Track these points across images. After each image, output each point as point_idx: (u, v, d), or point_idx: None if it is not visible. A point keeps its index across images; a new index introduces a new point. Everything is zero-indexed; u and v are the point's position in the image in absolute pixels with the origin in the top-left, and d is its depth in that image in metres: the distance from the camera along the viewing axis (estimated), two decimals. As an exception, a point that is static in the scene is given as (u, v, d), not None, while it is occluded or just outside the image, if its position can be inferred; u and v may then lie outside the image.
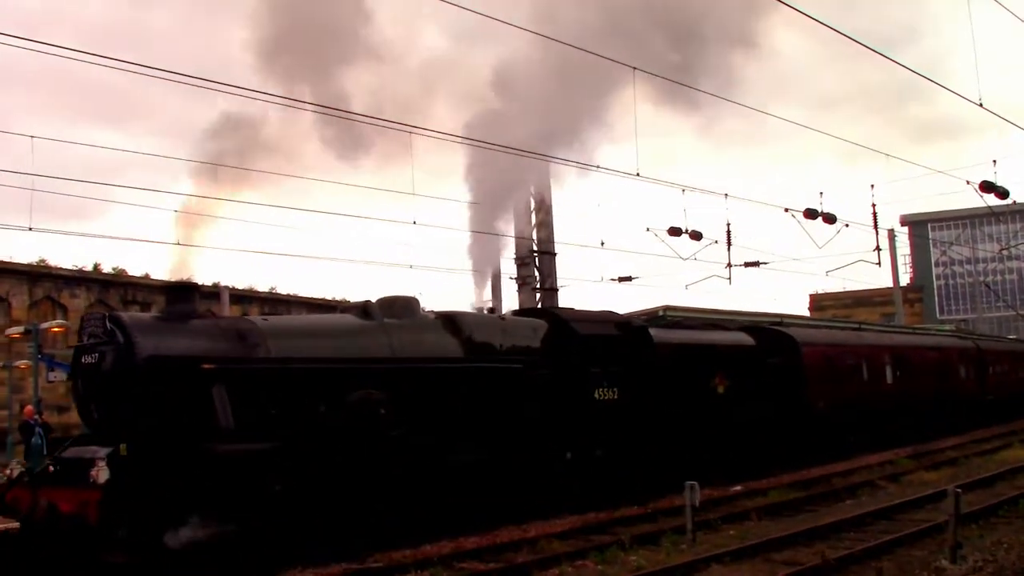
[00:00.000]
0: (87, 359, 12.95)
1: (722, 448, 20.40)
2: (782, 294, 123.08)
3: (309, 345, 14.36)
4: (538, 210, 32.94)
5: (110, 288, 38.56)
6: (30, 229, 23.02)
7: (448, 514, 14.74)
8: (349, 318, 15.59)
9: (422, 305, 16.61)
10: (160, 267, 41.94)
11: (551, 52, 19.65)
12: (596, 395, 17.87)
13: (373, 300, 16.00)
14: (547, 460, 16.79)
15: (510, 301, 32.36)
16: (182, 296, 13.73)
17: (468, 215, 19.96)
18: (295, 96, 16.02)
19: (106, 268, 38.89)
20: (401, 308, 16.02)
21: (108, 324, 12.79)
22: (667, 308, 42.45)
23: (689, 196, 31.27)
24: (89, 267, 38.45)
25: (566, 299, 32.36)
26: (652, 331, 19.92)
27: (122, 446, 11.99)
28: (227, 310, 33.52)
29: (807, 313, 71.36)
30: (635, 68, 20.60)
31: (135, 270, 39.96)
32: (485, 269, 19.86)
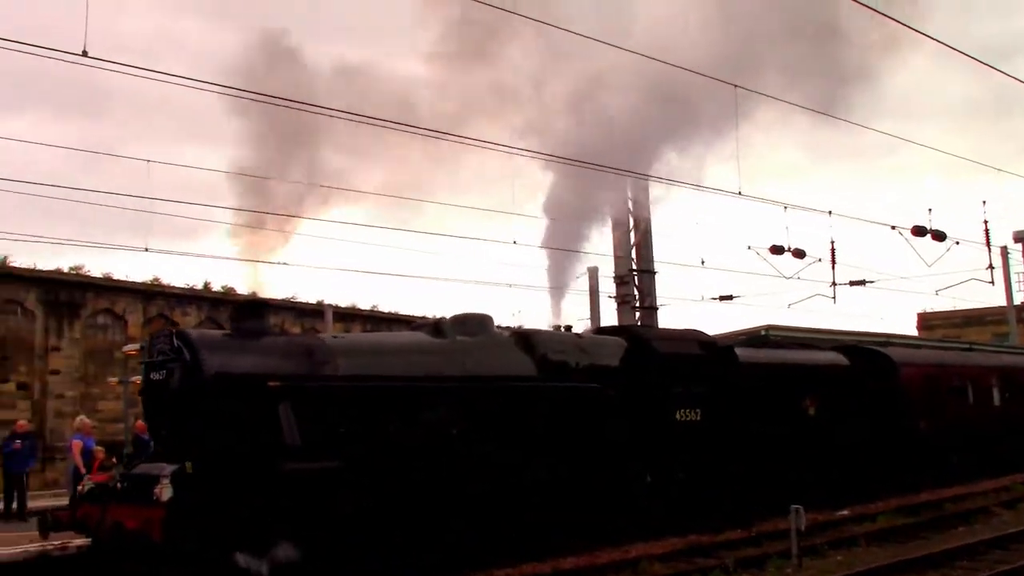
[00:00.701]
0: (155, 376, 12.80)
1: (815, 471, 19.43)
2: (889, 313, 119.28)
3: (378, 363, 14.00)
4: (637, 228, 32.66)
5: (220, 306, 39.04)
6: (146, 250, 23.50)
7: (525, 534, 14.24)
8: (420, 336, 15.20)
9: (496, 322, 16.14)
10: (268, 286, 42.70)
11: (652, 68, 19.26)
12: (678, 416, 17.13)
13: (446, 317, 15.64)
14: (626, 481, 16.12)
15: (609, 320, 32.06)
16: (251, 313, 13.48)
17: (544, 231, 19.57)
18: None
19: (216, 286, 39.43)
20: (474, 325, 15.55)
21: (175, 341, 12.59)
22: (769, 328, 41.30)
23: (792, 213, 30.16)
24: (200, 286, 39.04)
25: (666, 318, 31.73)
26: (738, 351, 19.13)
27: (187, 463, 11.79)
28: (330, 328, 33.70)
29: (915, 333, 68.78)
30: (736, 86, 20.27)
31: (243, 288, 40.33)
32: (561, 287, 19.31)
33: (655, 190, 27.16)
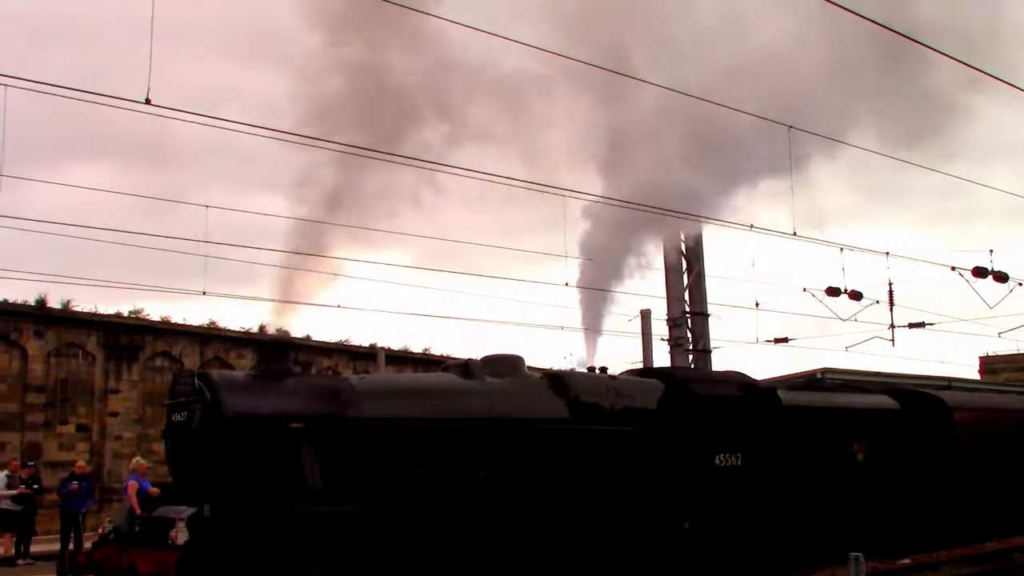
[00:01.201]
0: (176, 417, 12.55)
1: (865, 519, 18.62)
2: (950, 356, 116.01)
3: (404, 405, 13.60)
4: (690, 271, 32.22)
5: (275, 349, 39.00)
6: (203, 293, 23.62)
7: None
8: (449, 377, 14.82)
9: (527, 364, 15.72)
10: (321, 328, 42.65)
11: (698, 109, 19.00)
12: (716, 461, 16.51)
13: (476, 359, 15.26)
14: (663, 528, 15.54)
15: (662, 363, 31.23)
16: (275, 353, 13.22)
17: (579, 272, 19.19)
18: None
19: (271, 329, 39.34)
20: (504, 366, 15.13)
21: (197, 382, 12.35)
22: (826, 371, 40.39)
23: (848, 255, 29.55)
24: (255, 329, 39.06)
25: (720, 361, 31.18)
26: (782, 393, 18.43)
27: (206, 506, 11.50)
28: (383, 370, 33.50)
29: (977, 376, 66.85)
30: (790, 127, 19.95)
31: (297, 331, 40.33)
32: (596, 327, 18.81)
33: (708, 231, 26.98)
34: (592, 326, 18.42)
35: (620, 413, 15.64)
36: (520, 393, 14.87)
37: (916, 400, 21.82)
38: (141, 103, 12.83)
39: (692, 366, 32.66)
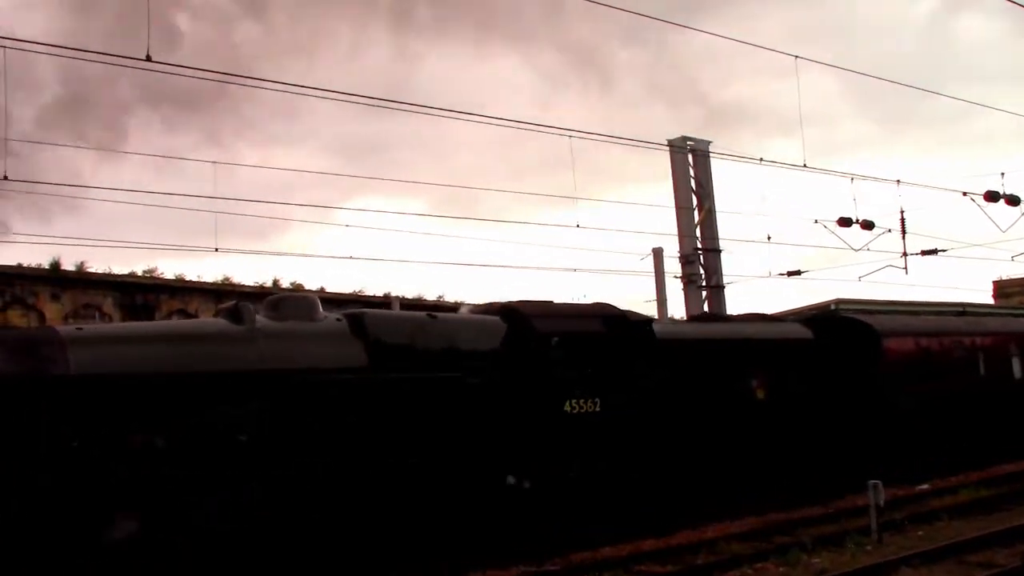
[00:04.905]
0: None
1: (764, 463, 15.52)
2: (964, 282, 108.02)
3: (129, 356, 10.64)
4: (700, 207, 29.68)
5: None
6: (216, 250, 22.89)
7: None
8: (213, 322, 12.14)
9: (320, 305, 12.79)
10: (334, 281, 40.66)
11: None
12: (567, 408, 13.52)
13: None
14: (491, 487, 12.70)
15: (677, 301, 30.00)
16: None
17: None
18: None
19: (284, 283, 37.70)
20: (292, 309, 12.33)
21: None
22: (839, 302, 36.92)
23: (859, 184, 27.56)
24: (269, 283, 37.42)
25: (733, 296, 29.15)
26: (657, 327, 15.23)
27: None
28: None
29: (991, 301, 61.08)
30: (796, 56, 19.41)
31: (311, 284, 38.55)
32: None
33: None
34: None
35: (439, 357, 12.62)
36: (303, 338, 11.95)
37: (839, 328, 18.23)
38: (141, 60, 11.94)
39: (705, 302, 30.34)
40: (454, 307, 42.92)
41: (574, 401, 13.57)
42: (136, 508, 9.96)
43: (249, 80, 15.09)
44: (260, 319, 11.97)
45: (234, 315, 11.88)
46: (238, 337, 11.52)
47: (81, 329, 11.79)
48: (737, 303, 36.18)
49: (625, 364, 14.14)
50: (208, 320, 12.42)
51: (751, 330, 17.18)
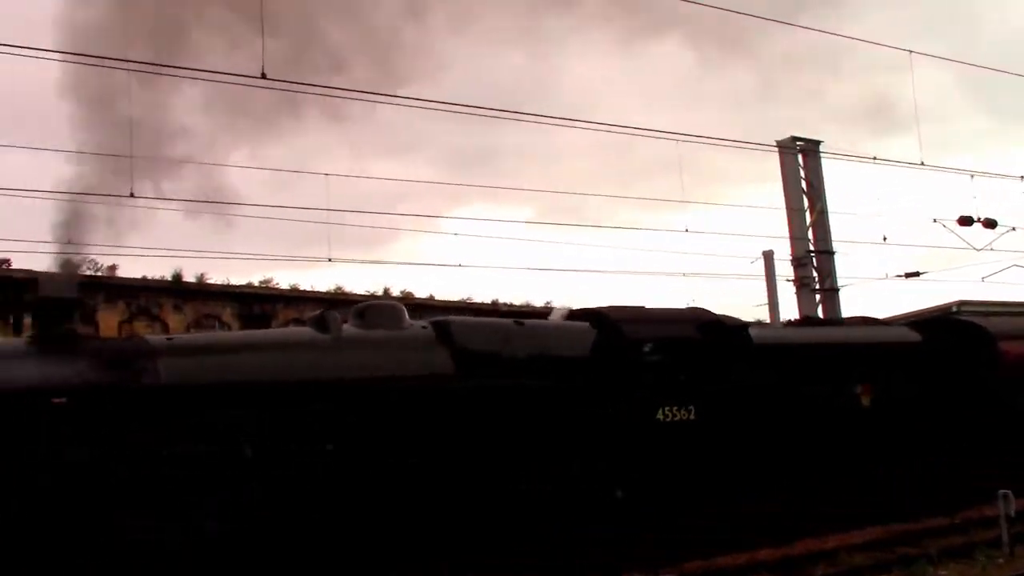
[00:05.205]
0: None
1: (871, 474, 14.75)
2: None
3: (218, 365, 10.80)
4: (812, 208, 28.86)
5: (403, 310, 37.61)
6: (329, 260, 23.06)
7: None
8: (297, 332, 12.28)
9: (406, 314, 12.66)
10: (443, 288, 40.75)
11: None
12: (660, 416, 13.04)
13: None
14: (586, 499, 12.30)
15: (789, 306, 28.44)
16: (53, 315, 10.42)
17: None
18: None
19: (395, 291, 38.09)
20: (378, 317, 12.18)
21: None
22: (961, 304, 35.32)
23: (979, 182, 26.52)
24: (380, 292, 37.83)
25: (849, 299, 28.22)
26: (753, 332, 14.65)
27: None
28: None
29: None
30: (911, 51, 19.32)
31: (420, 292, 38.85)
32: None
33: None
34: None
35: (526, 364, 12.31)
36: (389, 346, 11.86)
37: (951, 331, 17.22)
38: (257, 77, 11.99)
39: (819, 306, 29.42)
40: (543, 313, 42.81)
41: (667, 408, 13.13)
42: (226, 518, 10.00)
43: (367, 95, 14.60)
44: (347, 328, 11.91)
45: (320, 324, 11.85)
46: (324, 346, 11.50)
47: (171, 339, 11.92)
48: (853, 306, 34.77)
49: (720, 370, 13.63)
50: (295, 329, 12.47)
51: (855, 334, 16.41)
